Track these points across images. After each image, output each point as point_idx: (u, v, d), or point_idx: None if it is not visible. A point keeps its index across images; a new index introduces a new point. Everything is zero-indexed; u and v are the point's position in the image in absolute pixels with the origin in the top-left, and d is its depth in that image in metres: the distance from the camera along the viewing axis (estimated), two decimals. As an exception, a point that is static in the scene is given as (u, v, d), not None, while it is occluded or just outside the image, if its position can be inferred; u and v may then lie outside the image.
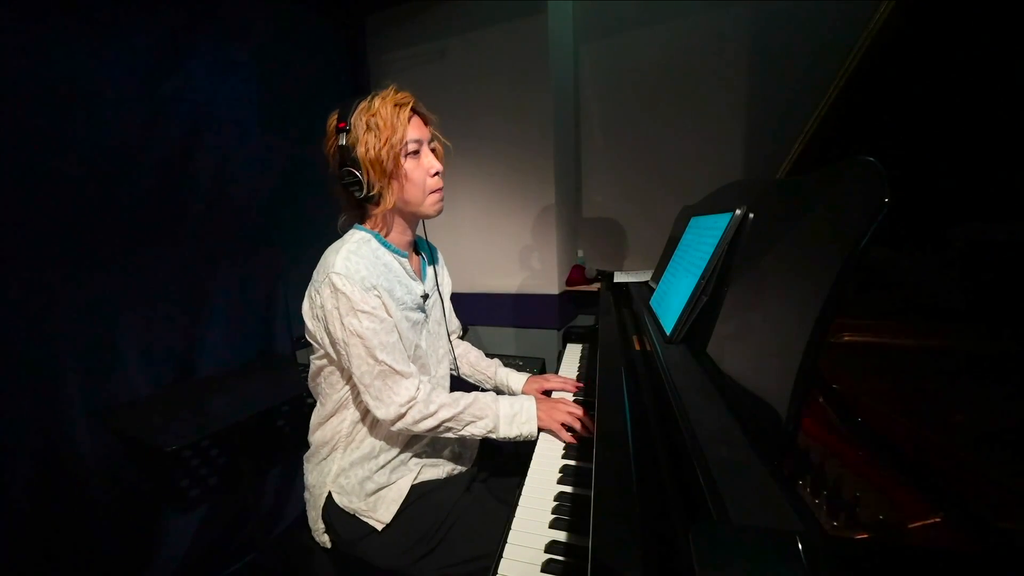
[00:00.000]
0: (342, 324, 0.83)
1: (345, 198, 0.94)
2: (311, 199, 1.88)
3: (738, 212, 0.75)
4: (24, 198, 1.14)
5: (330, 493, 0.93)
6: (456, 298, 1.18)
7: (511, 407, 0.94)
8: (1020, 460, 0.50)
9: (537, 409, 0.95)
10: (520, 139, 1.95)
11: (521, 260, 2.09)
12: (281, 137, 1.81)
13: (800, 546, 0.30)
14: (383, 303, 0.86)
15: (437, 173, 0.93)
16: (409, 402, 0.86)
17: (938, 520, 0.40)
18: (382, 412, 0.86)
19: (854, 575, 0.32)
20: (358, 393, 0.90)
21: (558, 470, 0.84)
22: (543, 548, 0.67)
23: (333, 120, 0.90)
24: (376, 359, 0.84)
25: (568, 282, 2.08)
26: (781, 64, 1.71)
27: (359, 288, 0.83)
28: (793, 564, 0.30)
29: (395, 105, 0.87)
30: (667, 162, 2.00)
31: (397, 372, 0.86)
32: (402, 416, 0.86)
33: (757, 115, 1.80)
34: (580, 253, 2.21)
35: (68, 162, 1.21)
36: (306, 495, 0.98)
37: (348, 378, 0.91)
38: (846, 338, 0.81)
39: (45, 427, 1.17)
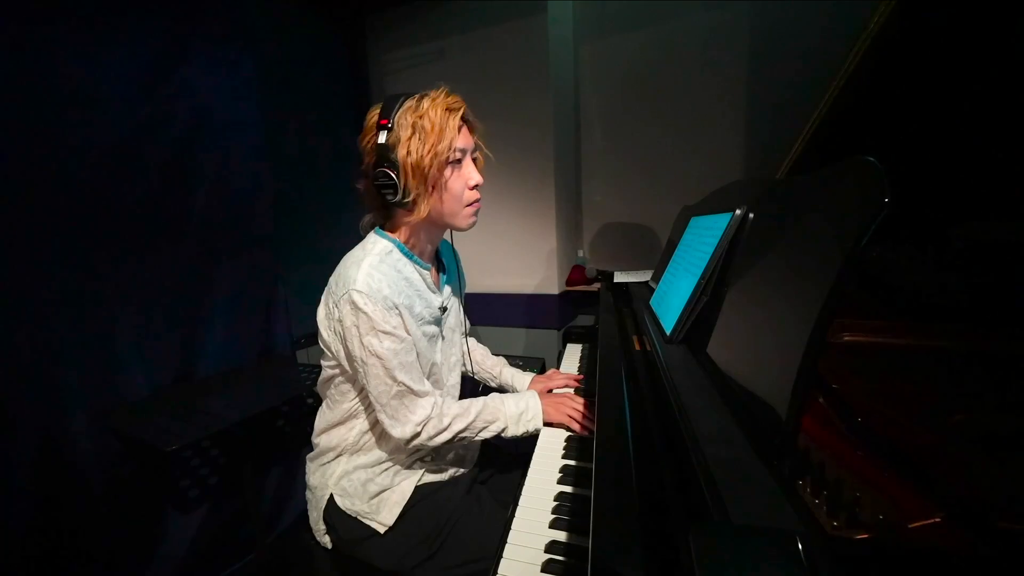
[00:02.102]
0: (361, 343, 0.81)
1: (373, 199, 0.89)
2: (312, 199, 1.87)
3: (738, 212, 0.75)
4: (24, 198, 1.13)
5: (332, 495, 0.92)
6: (457, 298, 1.18)
7: (517, 406, 0.96)
8: (1020, 460, 0.50)
9: (543, 405, 0.96)
10: (520, 139, 1.95)
11: (521, 260, 2.09)
12: (281, 137, 1.80)
13: (800, 546, 0.30)
14: (403, 321, 0.84)
15: (476, 185, 0.90)
16: (424, 421, 0.86)
17: (938, 520, 0.40)
18: (398, 431, 0.85)
19: (854, 575, 0.32)
20: (368, 404, 0.89)
21: (558, 470, 0.84)
22: (543, 548, 0.67)
23: (374, 115, 0.85)
24: (395, 379, 0.82)
25: (568, 282, 2.08)
26: (781, 64, 1.70)
27: (381, 307, 0.80)
28: (793, 564, 0.29)
29: (446, 110, 0.83)
30: (667, 162, 2.00)
31: (414, 392, 0.85)
32: (417, 435, 0.86)
33: (757, 115, 1.79)
34: (580, 253, 2.21)
35: (68, 162, 1.21)
36: (308, 495, 0.98)
37: (360, 389, 0.90)
38: (846, 338, 0.81)
39: (45, 427, 1.17)
